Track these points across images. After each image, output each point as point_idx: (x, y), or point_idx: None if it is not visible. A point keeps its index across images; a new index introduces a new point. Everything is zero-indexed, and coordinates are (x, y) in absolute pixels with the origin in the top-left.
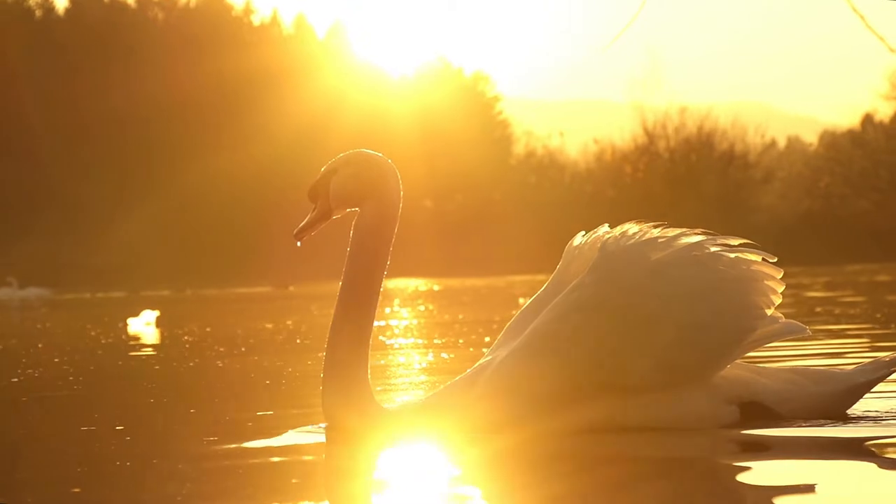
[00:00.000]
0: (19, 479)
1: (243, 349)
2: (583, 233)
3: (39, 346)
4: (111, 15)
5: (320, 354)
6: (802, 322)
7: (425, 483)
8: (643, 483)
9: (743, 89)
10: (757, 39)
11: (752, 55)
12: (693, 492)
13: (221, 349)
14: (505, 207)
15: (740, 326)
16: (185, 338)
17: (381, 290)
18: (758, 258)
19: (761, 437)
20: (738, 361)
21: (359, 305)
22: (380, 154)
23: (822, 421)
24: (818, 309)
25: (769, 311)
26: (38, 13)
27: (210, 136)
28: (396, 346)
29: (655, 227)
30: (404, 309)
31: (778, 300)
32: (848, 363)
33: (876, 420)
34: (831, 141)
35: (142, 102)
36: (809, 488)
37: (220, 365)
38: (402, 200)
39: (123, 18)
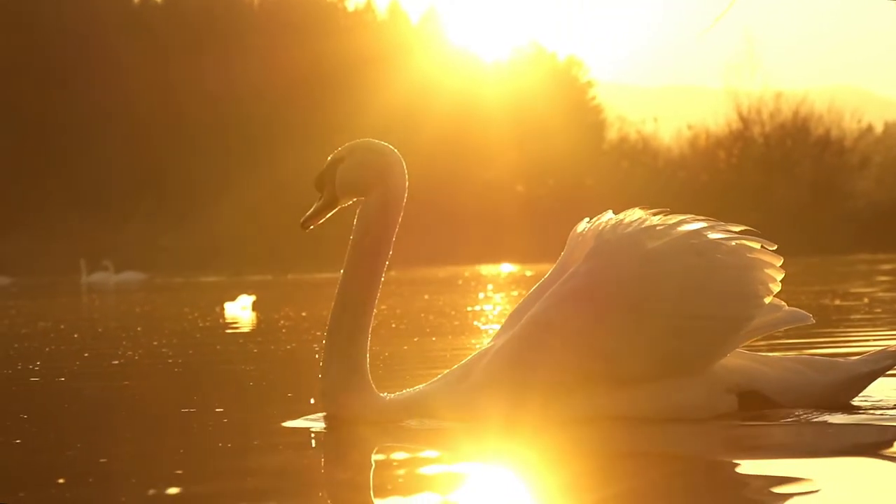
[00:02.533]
0: (122, 456)
1: None
2: (587, 219)
3: (138, 329)
4: (207, 0)
5: (415, 339)
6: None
7: (416, 477)
8: (633, 475)
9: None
10: (853, 23)
11: (849, 39)
12: (689, 485)
13: (318, 333)
14: (597, 192)
15: (737, 315)
16: (281, 322)
17: (383, 279)
18: (757, 246)
19: (760, 427)
20: (740, 350)
21: (360, 294)
22: (386, 143)
23: (824, 410)
24: None
25: (767, 300)
26: (135, 0)
27: (305, 121)
28: (491, 331)
29: (658, 214)
30: (498, 294)
31: (777, 288)
32: None
33: (880, 410)
34: None
35: (237, 88)
36: (807, 479)
37: (317, 348)
38: (407, 190)
39: (219, 4)
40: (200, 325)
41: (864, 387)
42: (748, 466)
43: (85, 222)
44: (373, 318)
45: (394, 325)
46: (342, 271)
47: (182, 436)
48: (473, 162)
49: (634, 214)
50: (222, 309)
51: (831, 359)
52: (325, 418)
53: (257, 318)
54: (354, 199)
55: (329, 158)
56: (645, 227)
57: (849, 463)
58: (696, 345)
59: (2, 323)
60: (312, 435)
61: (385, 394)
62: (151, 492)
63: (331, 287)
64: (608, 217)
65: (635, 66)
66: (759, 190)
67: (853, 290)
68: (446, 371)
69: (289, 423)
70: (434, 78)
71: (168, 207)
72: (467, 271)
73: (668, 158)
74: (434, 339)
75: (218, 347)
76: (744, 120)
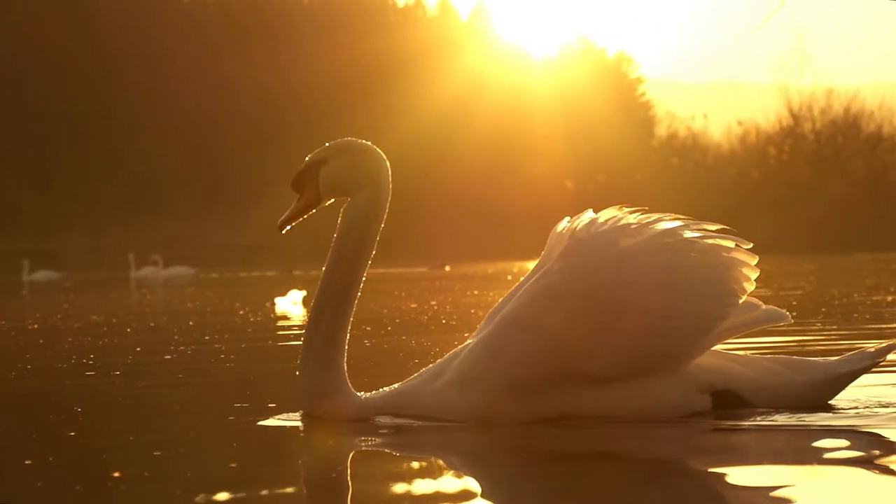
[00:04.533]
0: (176, 452)
1: (389, 328)
2: (568, 218)
3: (190, 323)
4: None
5: (465, 334)
6: None
7: (387, 476)
8: (602, 482)
9: (891, 70)
10: None
11: None
12: (657, 493)
13: (368, 328)
14: (647, 188)
15: (710, 314)
16: None
17: (364, 279)
18: (732, 244)
19: (733, 430)
20: (718, 349)
21: (341, 293)
22: (369, 143)
23: (801, 411)
24: None
25: (741, 299)
26: None
27: (354, 117)
28: None
29: (635, 213)
30: None
31: (751, 287)
32: None
33: (857, 411)
34: None
35: (286, 83)
36: (780, 486)
37: (368, 344)
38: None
39: (269, 0)
40: (251, 320)
41: (843, 388)
42: (719, 471)
43: (134, 217)
44: (351, 317)
45: (444, 321)
46: (323, 269)
47: (232, 435)
48: (523, 158)
49: (610, 213)
50: (273, 304)
51: (810, 359)
52: (302, 417)
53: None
54: (333, 200)
55: (307, 159)
56: (619, 226)
57: (824, 469)
58: (669, 343)
59: (55, 317)
60: (290, 433)
61: (362, 393)
62: (201, 496)
63: (381, 283)
64: (589, 215)
65: (684, 62)
66: (809, 186)
67: None
68: (423, 369)
69: (264, 422)
70: (483, 74)
71: (217, 202)
72: (516, 267)
73: (717, 155)
74: None
75: (269, 343)
76: (794, 116)
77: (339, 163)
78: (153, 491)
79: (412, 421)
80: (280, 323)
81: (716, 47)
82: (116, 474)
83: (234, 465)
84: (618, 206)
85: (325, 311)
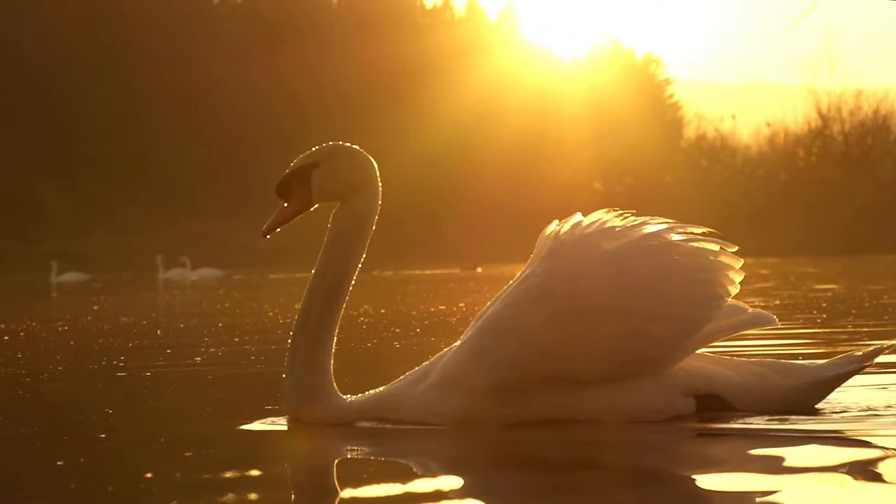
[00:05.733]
0: (208, 453)
1: (418, 330)
2: (557, 221)
3: (219, 325)
4: None
5: None
6: None
7: (370, 480)
8: (585, 485)
9: None
10: None
11: None
12: (642, 495)
13: (397, 330)
14: (675, 190)
15: (693, 317)
16: (361, 319)
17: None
18: (716, 248)
19: (717, 431)
20: (704, 353)
21: (330, 296)
22: (356, 146)
23: (787, 415)
24: None
25: (725, 302)
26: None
27: (382, 119)
28: None
29: (623, 216)
30: None
31: (735, 290)
32: None
33: (843, 416)
34: None
35: (314, 85)
36: (763, 492)
37: (398, 346)
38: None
39: (298, 2)
40: (280, 321)
41: (829, 392)
42: (701, 476)
43: (162, 219)
44: (339, 321)
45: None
46: (313, 272)
47: (257, 436)
48: (551, 159)
49: (596, 216)
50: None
51: (796, 362)
52: (288, 420)
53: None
54: (318, 205)
55: (294, 163)
56: (603, 229)
57: (807, 475)
58: (652, 347)
59: (85, 319)
60: (272, 437)
61: (347, 396)
62: (230, 494)
63: (409, 284)
64: (577, 219)
65: (713, 63)
66: (838, 188)
67: None
68: (409, 371)
69: (246, 426)
70: (511, 75)
71: (245, 204)
72: None
73: (746, 156)
74: None
75: None
76: (823, 118)
77: (335, 166)
78: (184, 492)
79: (395, 425)
80: None
81: (745, 48)
82: (148, 475)
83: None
84: (605, 210)
85: (313, 314)
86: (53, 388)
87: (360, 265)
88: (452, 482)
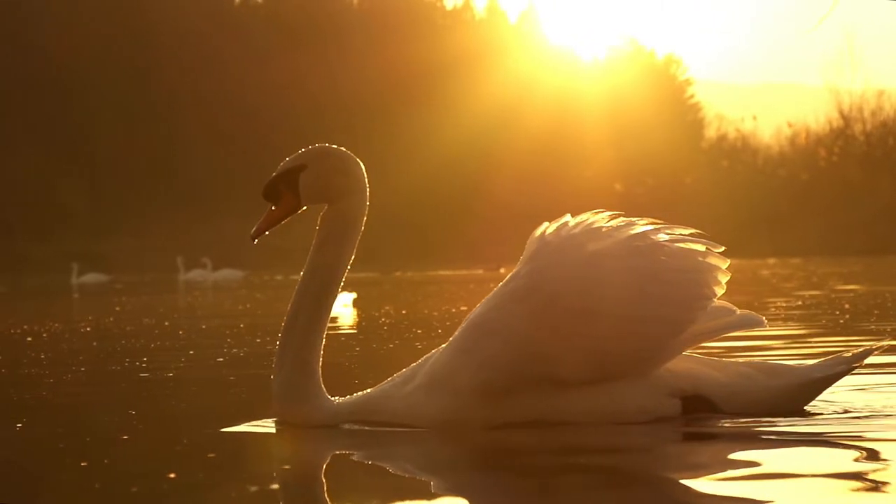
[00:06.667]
0: (230, 453)
1: (440, 331)
2: (546, 223)
3: (241, 326)
4: (306, 0)
5: None
6: None
7: (356, 482)
8: (570, 487)
9: None
10: None
11: None
12: (626, 498)
13: (419, 331)
14: (696, 191)
15: (678, 318)
16: (383, 320)
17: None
18: (703, 248)
19: (704, 433)
20: (692, 354)
21: (319, 298)
22: (344, 148)
23: (774, 417)
24: None
25: (711, 303)
26: (236, 0)
27: (402, 121)
28: None
29: (613, 217)
30: None
31: (721, 291)
32: None
33: (831, 417)
34: None
35: (334, 86)
36: (747, 488)
37: (420, 347)
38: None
39: (318, 3)
40: None
41: (818, 393)
42: (687, 479)
43: (182, 220)
44: (328, 323)
45: None
46: (302, 273)
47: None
48: (571, 160)
49: (583, 217)
50: None
51: (785, 364)
52: (276, 422)
53: (358, 315)
54: (306, 208)
55: (281, 166)
56: (589, 230)
57: (794, 478)
58: (637, 347)
59: (107, 320)
60: (260, 439)
61: (336, 398)
62: (253, 488)
63: (430, 285)
64: (563, 220)
65: (733, 64)
66: (860, 188)
67: None
68: (397, 373)
69: (228, 429)
70: (532, 76)
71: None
72: None
73: (767, 156)
74: None
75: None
76: (845, 118)
77: (323, 168)
78: (208, 493)
79: (381, 427)
80: (330, 325)
81: (765, 48)
82: (171, 475)
83: (288, 466)
84: (594, 211)
85: (301, 316)
86: (76, 390)
87: (349, 267)
88: (438, 484)
